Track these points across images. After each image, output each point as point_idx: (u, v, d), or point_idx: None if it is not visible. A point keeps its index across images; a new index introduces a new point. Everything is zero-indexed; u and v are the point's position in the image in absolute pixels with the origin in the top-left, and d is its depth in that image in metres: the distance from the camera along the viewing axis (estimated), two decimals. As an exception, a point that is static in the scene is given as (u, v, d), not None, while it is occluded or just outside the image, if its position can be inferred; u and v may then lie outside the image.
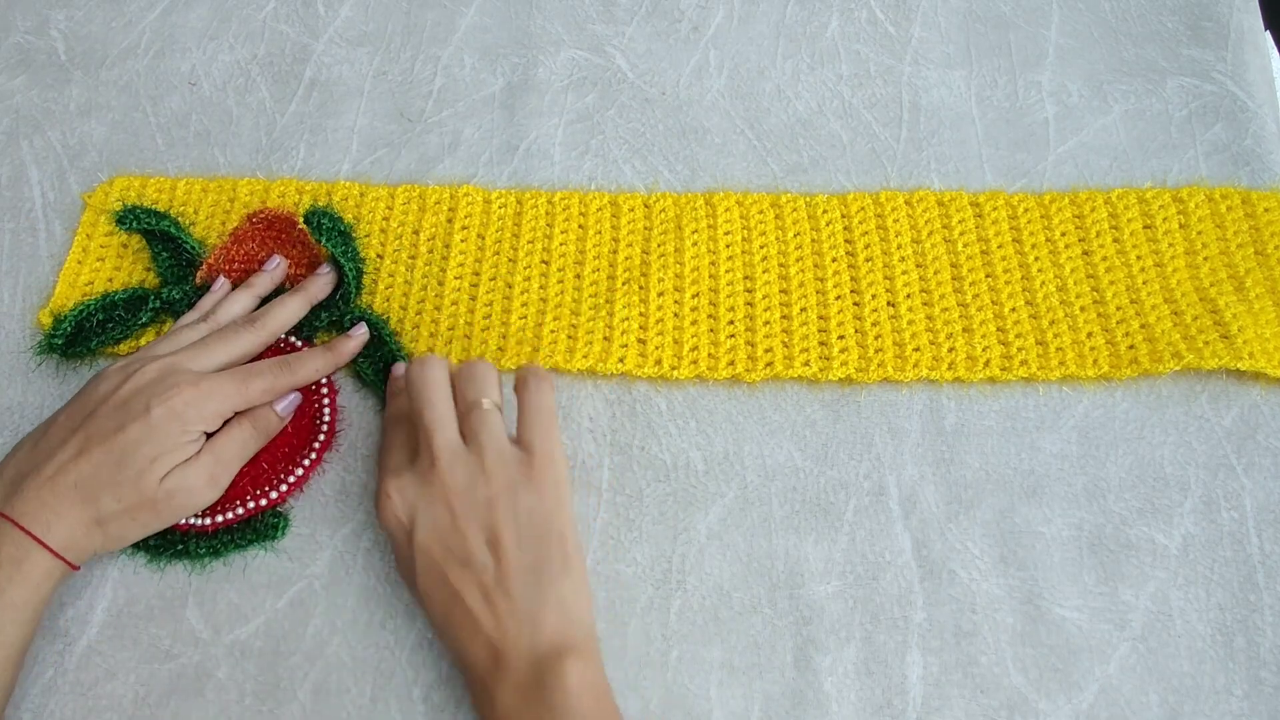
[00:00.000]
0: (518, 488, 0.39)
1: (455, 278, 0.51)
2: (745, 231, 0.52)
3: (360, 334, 0.47)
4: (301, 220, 0.50)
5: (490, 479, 0.39)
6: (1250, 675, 0.41)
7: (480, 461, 0.39)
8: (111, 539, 0.41)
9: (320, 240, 0.49)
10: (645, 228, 0.53)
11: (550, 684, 0.35)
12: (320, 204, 0.52)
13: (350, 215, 0.53)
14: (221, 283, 0.49)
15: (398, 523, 0.39)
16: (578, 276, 0.51)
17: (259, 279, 0.49)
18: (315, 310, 0.49)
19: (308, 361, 0.45)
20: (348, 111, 0.58)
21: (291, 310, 0.47)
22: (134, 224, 0.51)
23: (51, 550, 0.39)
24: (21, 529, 0.38)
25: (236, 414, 0.43)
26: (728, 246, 0.52)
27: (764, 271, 0.51)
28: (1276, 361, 0.47)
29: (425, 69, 0.59)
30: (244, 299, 0.48)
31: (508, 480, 0.39)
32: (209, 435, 0.42)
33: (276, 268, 0.49)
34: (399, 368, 0.47)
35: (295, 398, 0.46)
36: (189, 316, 0.48)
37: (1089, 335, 0.49)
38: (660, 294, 0.50)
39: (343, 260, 0.49)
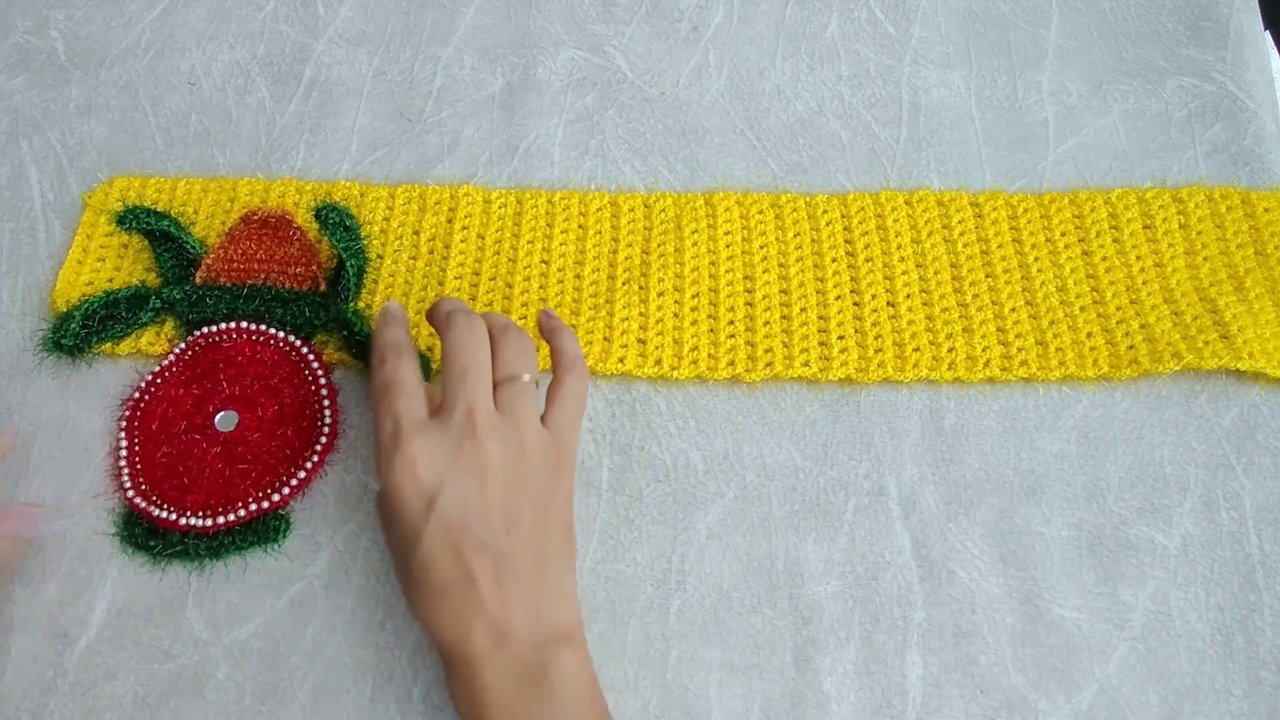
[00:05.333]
0: (547, 476, 0.38)
1: (455, 278, 0.51)
2: (745, 231, 0.52)
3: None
4: (313, 215, 0.50)
5: (526, 458, 0.37)
6: (1250, 675, 0.41)
7: (518, 438, 0.38)
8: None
9: (325, 233, 0.49)
10: (645, 228, 0.53)
11: (551, 671, 0.35)
12: (332, 200, 0.52)
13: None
14: None
15: (418, 486, 0.36)
16: (578, 276, 0.51)
17: None
18: (314, 308, 0.49)
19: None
20: (347, 111, 0.58)
21: None
22: (134, 224, 0.51)
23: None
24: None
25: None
26: (728, 246, 0.52)
27: (764, 271, 0.51)
28: (1276, 361, 0.47)
29: (425, 69, 0.59)
30: None
31: (543, 467, 0.38)
32: None
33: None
34: (393, 306, 0.43)
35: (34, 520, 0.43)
36: None
37: (1089, 335, 0.49)
38: (660, 294, 0.50)
39: (345, 255, 0.49)
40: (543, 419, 0.40)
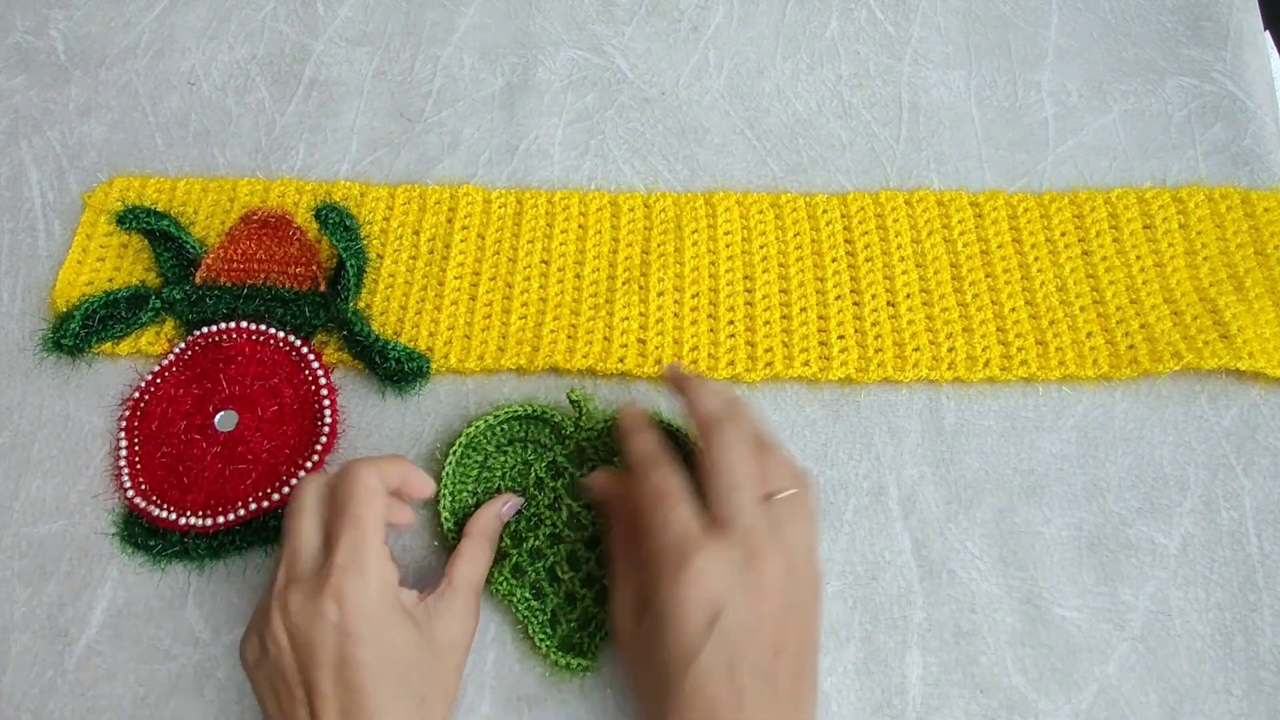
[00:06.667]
0: (811, 595, 0.38)
1: (455, 278, 0.51)
2: (745, 231, 0.52)
3: None
4: (313, 215, 0.50)
5: (798, 582, 0.37)
6: (1250, 675, 0.41)
7: (791, 561, 0.37)
8: None
9: (325, 233, 0.49)
10: (645, 228, 0.53)
11: None
12: (332, 200, 0.53)
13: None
14: None
15: (702, 602, 0.35)
16: (578, 276, 0.51)
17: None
18: (314, 308, 0.49)
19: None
20: (347, 111, 0.58)
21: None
22: (134, 224, 0.51)
23: None
24: None
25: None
26: (728, 246, 0.52)
27: (764, 271, 0.51)
28: (1276, 361, 0.47)
29: (425, 69, 0.59)
30: None
31: (809, 592, 0.38)
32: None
33: None
34: (632, 415, 0.43)
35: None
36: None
37: (1089, 335, 0.49)
38: (660, 294, 0.50)
39: (345, 255, 0.49)
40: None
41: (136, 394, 0.47)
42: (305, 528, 0.38)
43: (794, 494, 0.38)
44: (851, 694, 0.41)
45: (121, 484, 0.45)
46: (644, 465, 0.40)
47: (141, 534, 0.44)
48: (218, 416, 0.47)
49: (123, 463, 0.46)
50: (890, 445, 0.47)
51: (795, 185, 0.55)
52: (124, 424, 0.47)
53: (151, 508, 0.44)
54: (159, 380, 0.48)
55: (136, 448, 0.46)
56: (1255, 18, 0.60)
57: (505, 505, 0.44)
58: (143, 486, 0.45)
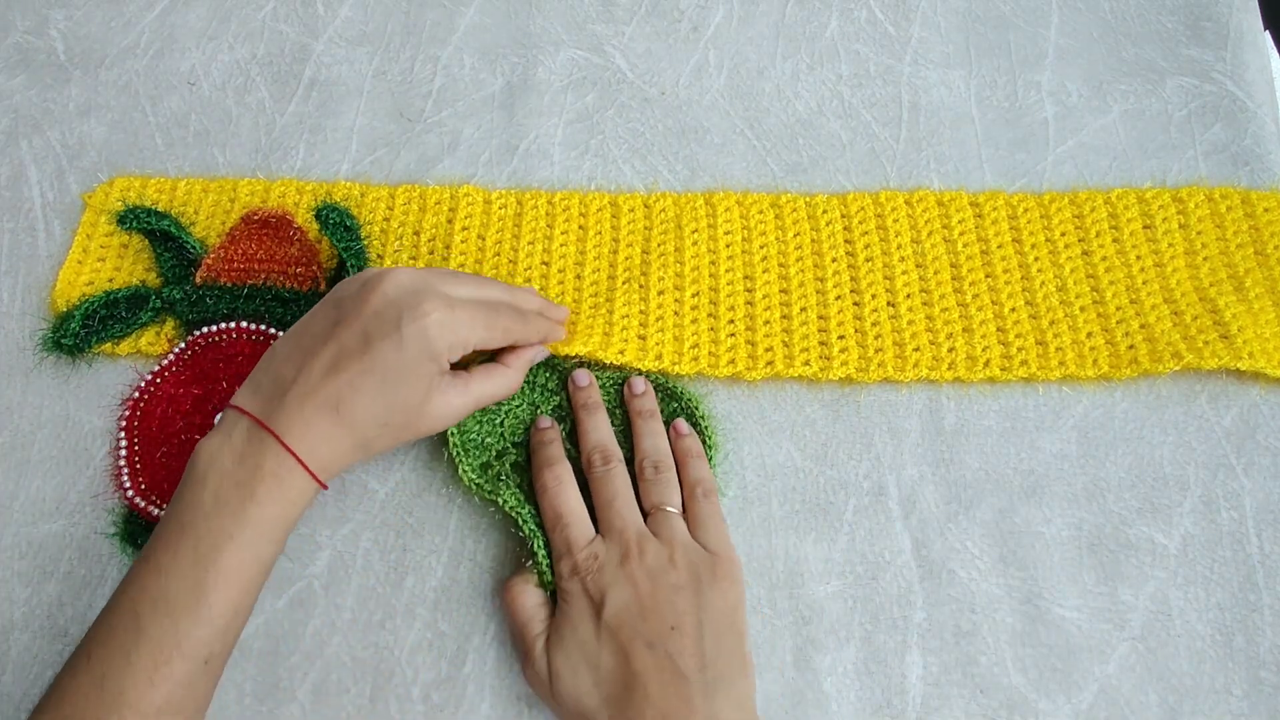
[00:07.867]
0: (703, 582, 0.40)
1: (455, 278, 0.51)
2: (745, 231, 0.52)
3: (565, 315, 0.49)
4: (313, 215, 0.50)
5: (679, 569, 0.40)
6: (1250, 675, 0.41)
7: (668, 551, 0.41)
8: (368, 456, 0.41)
9: (326, 233, 0.49)
10: (645, 227, 0.53)
11: None
12: (332, 201, 0.53)
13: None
14: None
15: (585, 596, 0.40)
16: (578, 276, 0.51)
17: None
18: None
19: (536, 321, 0.46)
20: (347, 111, 0.58)
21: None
22: (134, 224, 0.51)
23: (312, 473, 0.38)
24: (287, 448, 0.38)
25: (496, 359, 0.45)
26: (728, 246, 0.52)
27: (764, 271, 0.51)
28: (1276, 361, 0.47)
29: (425, 69, 0.59)
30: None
31: (694, 574, 0.40)
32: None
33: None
34: (543, 420, 0.47)
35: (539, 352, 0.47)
36: None
37: (1089, 335, 0.49)
38: (660, 293, 0.50)
39: (345, 255, 0.49)
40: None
41: (136, 394, 0.47)
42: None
43: (667, 510, 0.43)
44: (851, 694, 0.41)
45: (121, 484, 0.45)
46: (544, 480, 0.44)
47: (141, 534, 0.44)
48: (218, 417, 0.47)
49: (123, 463, 0.46)
50: (890, 445, 0.47)
51: (795, 185, 0.55)
52: (124, 424, 0.47)
53: (151, 508, 0.44)
54: (159, 380, 0.48)
55: (136, 448, 0.46)
56: (1255, 18, 0.60)
57: (538, 352, 0.47)
58: (143, 486, 0.45)
